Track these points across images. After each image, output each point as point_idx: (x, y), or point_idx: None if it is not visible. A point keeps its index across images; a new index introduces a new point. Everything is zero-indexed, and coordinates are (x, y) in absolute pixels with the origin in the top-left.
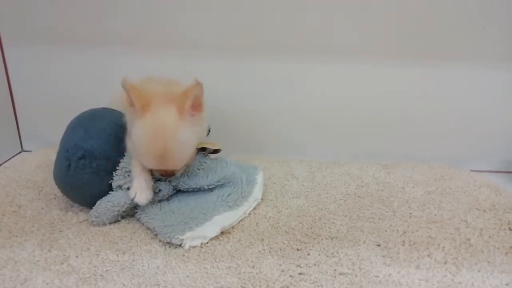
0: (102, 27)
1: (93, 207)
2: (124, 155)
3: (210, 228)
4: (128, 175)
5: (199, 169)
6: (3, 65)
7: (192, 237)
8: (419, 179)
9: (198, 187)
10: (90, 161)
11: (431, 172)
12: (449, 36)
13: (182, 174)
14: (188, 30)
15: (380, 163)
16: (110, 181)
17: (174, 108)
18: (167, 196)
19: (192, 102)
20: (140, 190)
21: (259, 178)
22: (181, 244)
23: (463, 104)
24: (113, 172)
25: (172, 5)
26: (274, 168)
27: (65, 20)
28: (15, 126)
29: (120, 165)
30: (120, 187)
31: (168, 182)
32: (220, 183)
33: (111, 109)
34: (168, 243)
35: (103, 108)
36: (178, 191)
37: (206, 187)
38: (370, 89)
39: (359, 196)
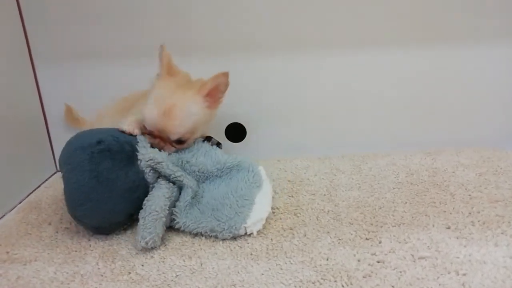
0: (135, 44)
1: (139, 228)
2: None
3: (260, 210)
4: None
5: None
6: (36, 86)
7: (254, 223)
8: (468, 163)
9: (203, 166)
10: (109, 144)
11: (477, 155)
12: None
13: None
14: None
15: (422, 151)
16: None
17: (194, 87)
18: (195, 191)
19: (212, 88)
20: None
21: (260, 167)
22: (246, 232)
23: (496, 86)
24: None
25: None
26: (317, 165)
27: (96, 40)
28: (50, 147)
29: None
30: (148, 165)
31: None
32: (228, 168)
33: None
34: (232, 240)
35: None
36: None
37: (212, 168)
38: (399, 77)
39: (411, 184)
